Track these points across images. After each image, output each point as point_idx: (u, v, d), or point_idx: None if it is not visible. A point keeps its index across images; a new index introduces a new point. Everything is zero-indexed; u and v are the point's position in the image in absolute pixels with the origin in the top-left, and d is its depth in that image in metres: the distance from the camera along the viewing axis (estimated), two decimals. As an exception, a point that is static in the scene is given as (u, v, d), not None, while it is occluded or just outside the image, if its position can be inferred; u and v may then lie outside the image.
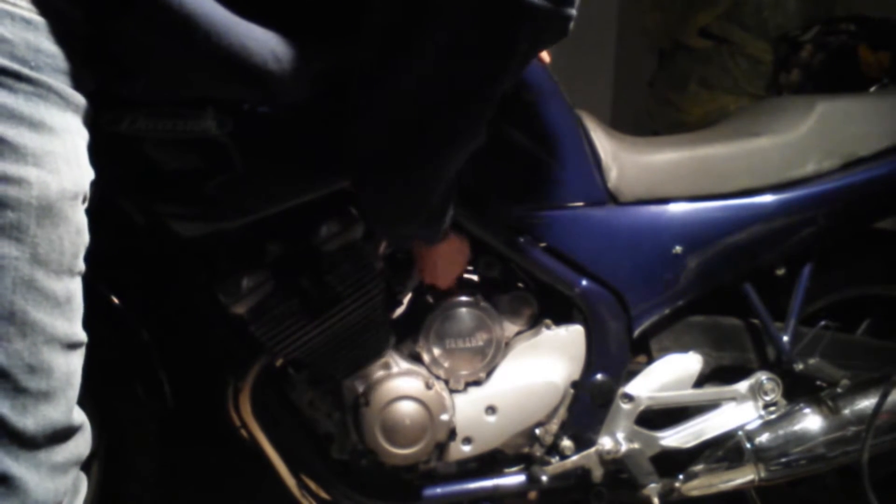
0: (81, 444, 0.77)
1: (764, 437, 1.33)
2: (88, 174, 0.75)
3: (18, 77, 0.67)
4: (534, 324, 1.31)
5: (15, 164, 0.66)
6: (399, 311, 1.28)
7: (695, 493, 1.34)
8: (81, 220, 0.74)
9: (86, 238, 0.76)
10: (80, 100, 0.73)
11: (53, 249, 0.70)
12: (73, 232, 0.72)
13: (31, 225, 0.68)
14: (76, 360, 0.74)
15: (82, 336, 0.75)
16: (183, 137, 1.00)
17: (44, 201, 0.68)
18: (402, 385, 1.23)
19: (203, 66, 0.78)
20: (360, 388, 1.22)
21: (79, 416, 0.76)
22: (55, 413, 0.71)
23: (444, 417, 1.24)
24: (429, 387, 1.23)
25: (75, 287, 0.74)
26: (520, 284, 1.31)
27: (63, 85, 0.70)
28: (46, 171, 0.68)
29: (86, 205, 0.76)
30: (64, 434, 0.73)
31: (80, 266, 0.75)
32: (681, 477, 1.33)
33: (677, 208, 1.31)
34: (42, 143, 0.68)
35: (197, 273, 1.17)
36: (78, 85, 0.72)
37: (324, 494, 1.28)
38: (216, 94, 0.89)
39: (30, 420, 0.69)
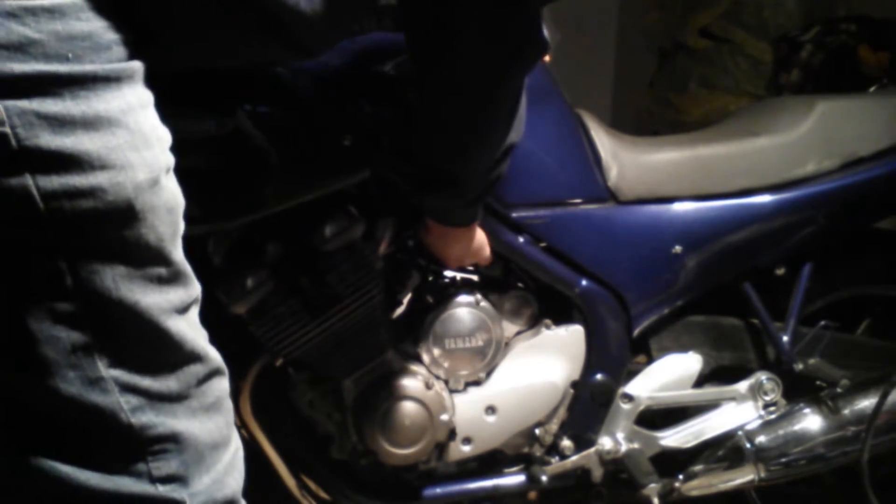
0: (224, 381, 0.78)
1: (764, 437, 1.33)
2: (164, 142, 0.71)
3: (58, 80, 0.62)
4: (534, 324, 1.31)
5: (81, 175, 0.62)
6: (399, 311, 1.28)
7: (695, 493, 1.34)
8: (170, 197, 0.71)
9: (179, 206, 0.73)
10: (130, 66, 0.67)
11: (146, 241, 0.68)
12: (163, 214, 0.69)
13: (113, 230, 0.65)
14: (195, 313, 0.75)
15: (198, 291, 0.75)
16: (183, 137, 1.00)
17: (121, 203, 0.65)
18: (402, 385, 1.23)
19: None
20: (360, 388, 1.22)
21: (215, 357, 0.76)
22: (196, 367, 0.73)
23: (444, 417, 1.24)
24: (429, 387, 1.23)
25: (180, 255, 0.73)
26: (520, 284, 1.31)
27: (107, 64, 0.65)
28: (116, 170, 0.64)
29: (171, 169, 0.72)
30: (206, 377, 0.75)
31: (180, 231, 0.73)
32: (681, 477, 1.33)
33: (677, 208, 1.31)
34: (103, 140, 0.64)
35: (197, 273, 1.17)
36: (122, 52, 0.67)
37: (324, 494, 1.28)
38: (242, 53, 0.83)
39: (172, 381, 0.71)
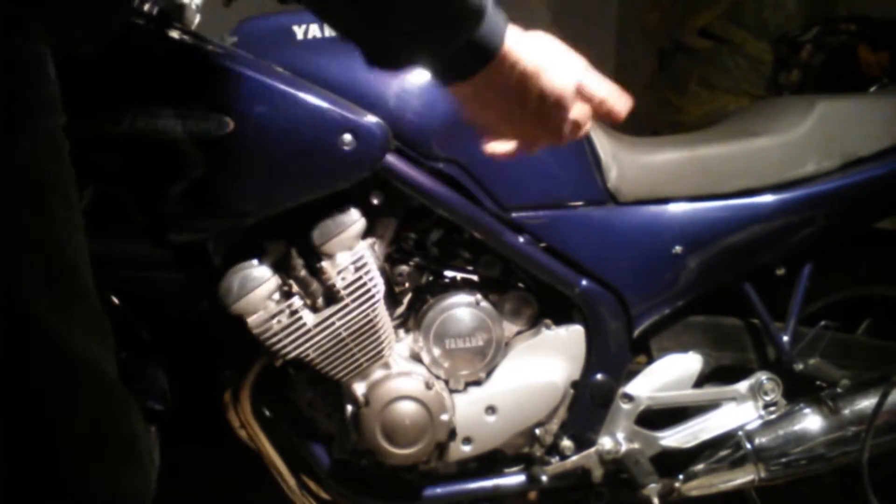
0: None
1: (764, 437, 1.33)
2: None
3: None
4: (534, 324, 1.31)
5: None
6: (399, 311, 1.28)
7: (695, 493, 1.34)
8: None
9: None
10: None
11: None
12: None
13: None
14: None
15: None
16: (183, 138, 1.00)
17: None
18: (402, 385, 1.22)
19: None
20: (360, 388, 1.22)
21: None
22: None
23: (444, 417, 1.24)
24: (429, 387, 1.23)
25: None
26: (520, 284, 1.31)
27: None
28: None
29: None
30: None
31: None
32: (681, 477, 1.33)
33: (677, 208, 1.31)
34: None
35: (197, 273, 1.17)
36: None
37: (324, 494, 1.28)
38: None
39: None
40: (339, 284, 1.13)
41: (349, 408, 1.24)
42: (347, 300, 1.14)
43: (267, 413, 1.25)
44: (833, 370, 1.39)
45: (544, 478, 1.31)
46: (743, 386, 1.37)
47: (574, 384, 1.32)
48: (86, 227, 0.75)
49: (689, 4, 2.71)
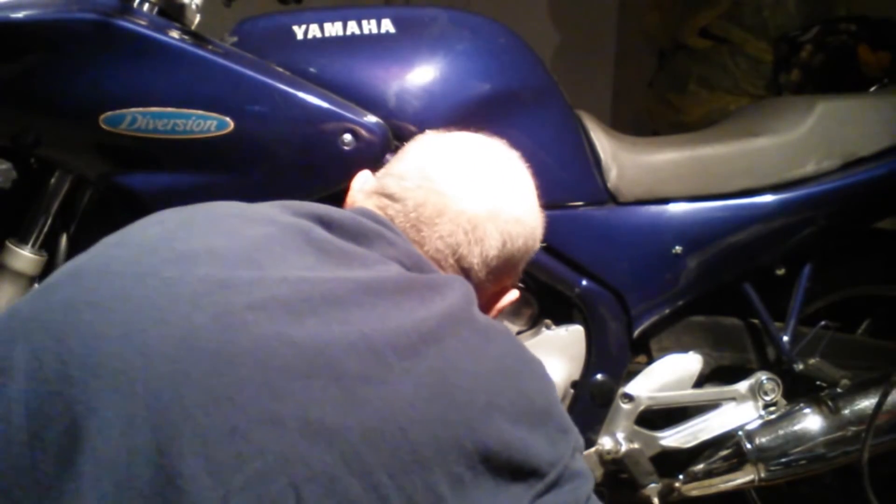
0: None
1: (764, 437, 1.33)
2: None
3: None
4: (534, 324, 1.31)
5: None
6: (399, 311, 1.28)
7: (695, 493, 1.34)
8: None
9: None
10: None
11: None
12: None
13: None
14: None
15: None
16: (182, 138, 1.00)
17: None
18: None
19: None
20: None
21: None
22: None
23: (444, 417, 1.23)
24: (429, 387, 1.23)
25: None
26: (520, 284, 1.31)
27: None
28: None
29: None
30: None
31: None
32: (681, 477, 1.33)
33: (677, 208, 1.31)
34: None
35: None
36: None
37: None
38: None
39: None
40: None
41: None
42: (347, 300, 1.14)
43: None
44: (833, 370, 1.39)
45: (544, 478, 1.30)
46: (743, 386, 1.37)
47: (574, 384, 1.32)
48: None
49: (689, 4, 2.72)
